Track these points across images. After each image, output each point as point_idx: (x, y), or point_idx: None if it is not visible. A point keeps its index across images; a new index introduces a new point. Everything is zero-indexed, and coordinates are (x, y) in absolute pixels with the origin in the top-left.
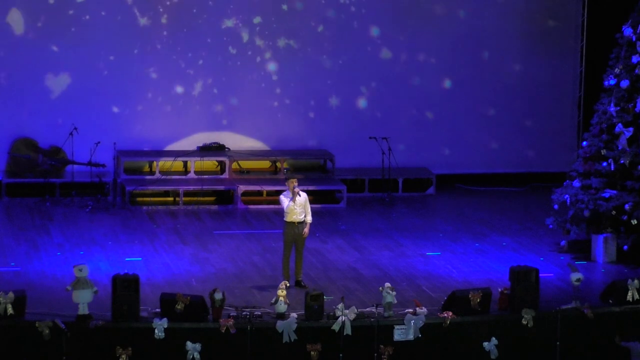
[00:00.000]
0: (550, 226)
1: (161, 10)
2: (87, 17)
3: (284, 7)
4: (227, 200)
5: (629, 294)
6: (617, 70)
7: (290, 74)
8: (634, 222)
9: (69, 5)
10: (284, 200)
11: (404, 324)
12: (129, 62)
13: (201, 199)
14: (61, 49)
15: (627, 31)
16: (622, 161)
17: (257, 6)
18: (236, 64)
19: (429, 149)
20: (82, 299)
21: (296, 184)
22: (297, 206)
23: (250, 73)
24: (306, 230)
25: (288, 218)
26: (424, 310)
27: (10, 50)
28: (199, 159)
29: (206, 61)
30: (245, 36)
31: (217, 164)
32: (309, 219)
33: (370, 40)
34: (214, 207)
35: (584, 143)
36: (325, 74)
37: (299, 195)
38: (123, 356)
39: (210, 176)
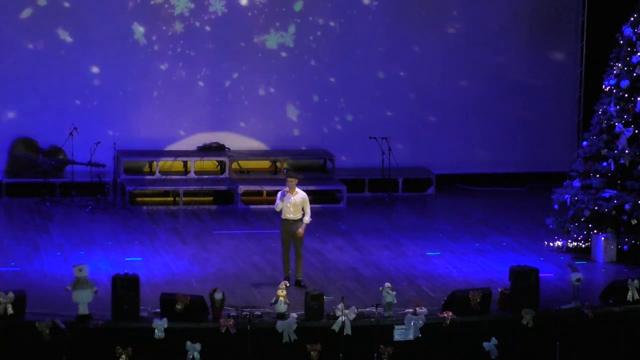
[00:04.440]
0: (550, 226)
1: (161, 10)
2: (87, 16)
3: (285, 8)
4: (227, 200)
5: (629, 294)
6: (617, 70)
7: (290, 74)
8: (634, 222)
9: (67, 3)
10: (277, 197)
11: (404, 324)
12: (129, 62)
13: (201, 199)
14: (61, 49)
15: (627, 31)
16: (622, 161)
17: (258, 6)
18: (236, 64)
19: (429, 149)
20: (82, 299)
21: (290, 182)
22: (291, 205)
23: (251, 73)
24: (300, 230)
25: (282, 215)
26: (424, 310)
27: (10, 49)
28: (199, 159)
29: (206, 61)
30: (245, 36)
31: (217, 164)
32: (307, 219)
33: (371, 40)
34: (214, 207)
35: (584, 143)
36: (326, 74)
37: (296, 193)
38: (123, 356)
39: (210, 176)
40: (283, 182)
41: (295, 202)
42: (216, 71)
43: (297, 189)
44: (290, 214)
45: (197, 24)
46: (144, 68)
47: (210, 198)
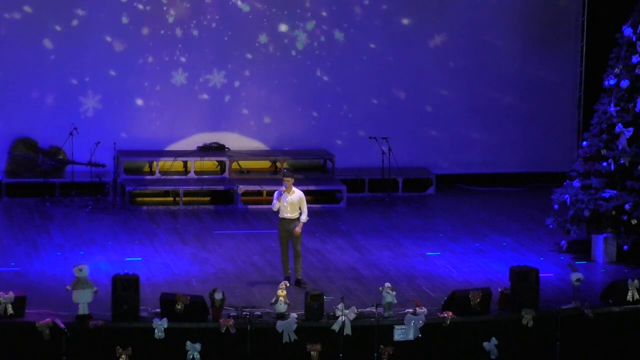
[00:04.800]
0: (550, 226)
1: (162, 10)
2: (87, 16)
3: (287, 11)
4: (227, 200)
5: (629, 294)
6: (617, 70)
7: (290, 74)
8: (634, 222)
9: (69, 3)
10: (274, 197)
11: (404, 324)
12: (129, 62)
13: (201, 199)
14: (61, 49)
15: (627, 31)
16: (622, 161)
17: (260, 10)
18: (236, 64)
19: (429, 149)
20: (82, 299)
21: (287, 182)
22: (288, 204)
23: (251, 73)
24: (297, 229)
25: (280, 214)
26: (424, 310)
27: (9, 50)
28: (199, 159)
29: (206, 61)
30: (245, 36)
31: (217, 164)
32: (304, 218)
33: (371, 40)
34: (214, 207)
35: (584, 143)
36: (325, 74)
37: (293, 192)
38: (123, 356)
39: (210, 176)
40: (283, 183)
41: (292, 201)
42: (217, 72)
43: (294, 188)
44: (288, 213)
45: (198, 25)
46: (144, 68)
47: (210, 198)
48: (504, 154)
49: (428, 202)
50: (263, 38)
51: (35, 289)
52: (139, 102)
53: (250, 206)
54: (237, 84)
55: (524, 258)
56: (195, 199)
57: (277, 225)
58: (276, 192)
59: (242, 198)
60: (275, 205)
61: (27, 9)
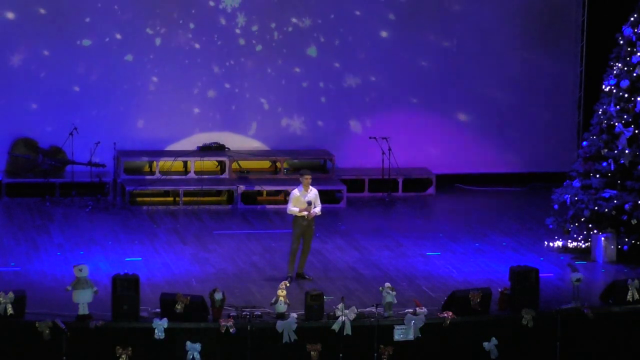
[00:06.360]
0: (550, 226)
1: (162, 11)
2: (87, 17)
3: (283, 9)
4: (227, 200)
5: (629, 294)
6: (617, 70)
7: (290, 74)
8: (634, 222)
9: (66, 4)
10: (290, 198)
11: (404, 324)
12: (129, 62)
13: (201, 199)
14: (60, 49)
15: (627, 31)
16: (622, 161)
17: (257, 6)
18: (236, 64)
19: (429, 149)
20: (82, 299)
21: (306, 180)
22: (307, 202)
23: (250, 73)
24: (309, 209)
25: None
26: (424, 310)
27: (10, 49)
28: (199, 159)
29: (206, 61)
30: (244, 36)
31: (217, 164)
32: (318, 210)
33: (371, 40)
34: (214, 207)
35: (584, 143)
36: (326, 73)
37: (310, 190)
38: (123, 356)
39: (210, 176)
40: (283, 182)
41: (311, 199)
42: (216, 71)
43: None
44: (308, 210)
45: (199, 25)
46: (144, 68)
47: (211, 198)
48: (504, 154)
49: (428, 202)
50: (263, 39)
51: (35, 289)
52: (139, 101)
53: (250, 206)
54: (237, 83)
55: (524, 258)
56: (195, 199)
57: (278, 225)
58: (295, 194)
59: (242, 198)
60: (297, 209)
61: (26, 10)
